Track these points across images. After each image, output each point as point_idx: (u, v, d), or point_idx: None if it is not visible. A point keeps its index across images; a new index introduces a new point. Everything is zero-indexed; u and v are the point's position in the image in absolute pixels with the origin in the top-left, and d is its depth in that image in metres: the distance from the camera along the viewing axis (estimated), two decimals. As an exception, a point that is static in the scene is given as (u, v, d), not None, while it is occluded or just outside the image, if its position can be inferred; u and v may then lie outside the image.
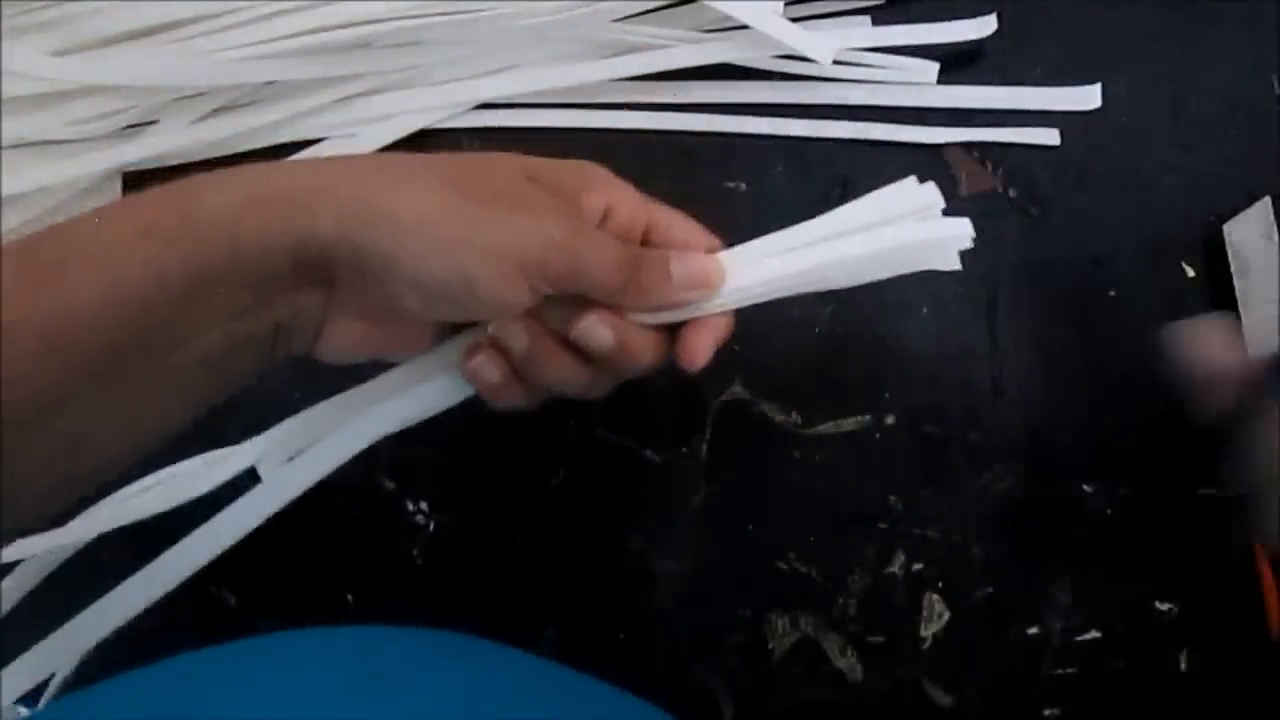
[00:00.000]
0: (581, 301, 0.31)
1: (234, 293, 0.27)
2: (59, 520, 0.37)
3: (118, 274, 0.25)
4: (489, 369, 0.32)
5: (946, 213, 0.32)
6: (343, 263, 0.28)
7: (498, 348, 0.32)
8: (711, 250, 0.33)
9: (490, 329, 0.32)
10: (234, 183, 0.27)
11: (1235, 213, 0.41)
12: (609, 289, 0.30)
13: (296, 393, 0.38)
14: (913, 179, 0.32)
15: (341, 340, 0.31)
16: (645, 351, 0.32)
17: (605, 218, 0.32)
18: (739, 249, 0.33)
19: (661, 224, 0.33)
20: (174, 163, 0.45)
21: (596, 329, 0.31)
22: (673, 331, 0.33)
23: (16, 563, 0.39)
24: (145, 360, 0.27)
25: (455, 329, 0.34)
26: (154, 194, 0.27)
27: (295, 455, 0.36)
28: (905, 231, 0.31)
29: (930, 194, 0.31)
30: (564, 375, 0.32)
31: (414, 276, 0.28)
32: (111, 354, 0.26)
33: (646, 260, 0.31)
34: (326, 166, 0.28)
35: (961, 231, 0.31)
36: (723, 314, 0.33)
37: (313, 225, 0.27)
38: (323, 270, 0.28)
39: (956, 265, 0.31)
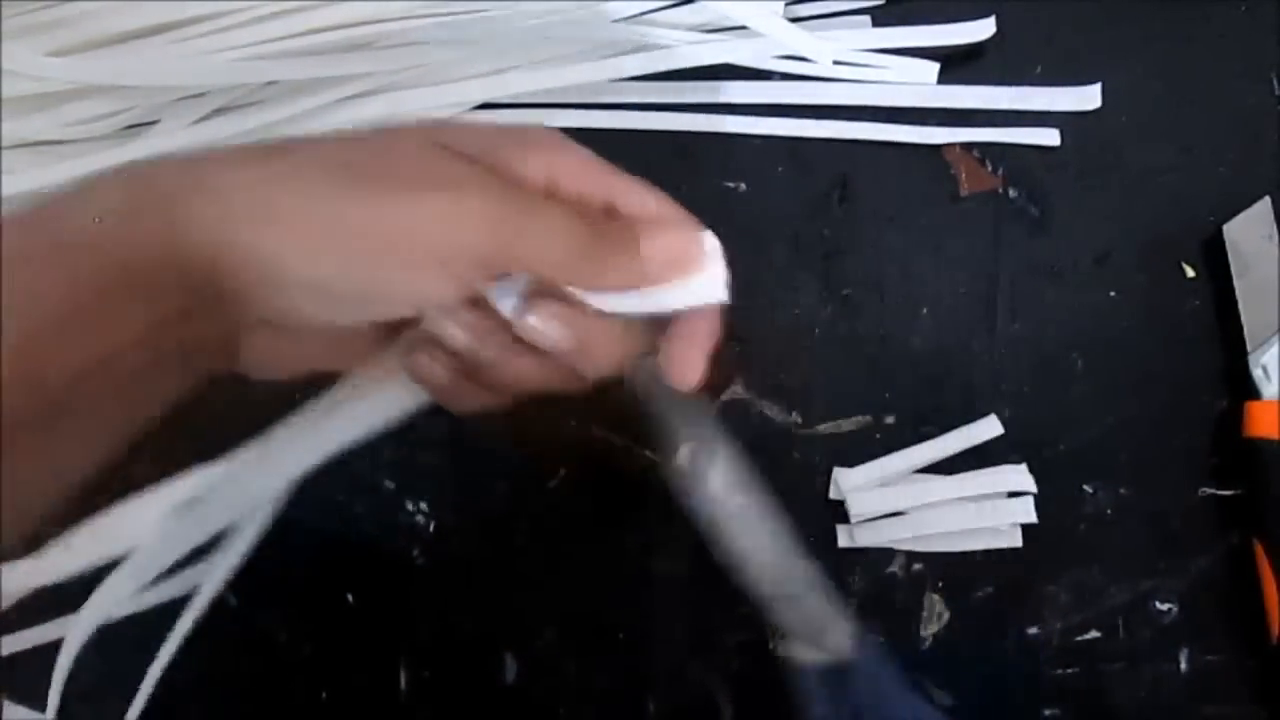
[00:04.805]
0: (535, 289, 0.26)
1: (125, 311, 0.24)
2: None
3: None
4: (432, 369, 0.27)
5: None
6: (224, 268, 0.24)
7: (438, 344, 0.27)
8: None
9: (424, 324, 0.27)
10: (98, 195, 0.24)
11: (1235, 213, 0.41)
12: (559, 267, 0.25)
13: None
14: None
15: (264, 354, 0.27)
16: (611, 349, 0.27)
17: (547, 191, 0.27)
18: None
19: (627, 201, 0.27)
20: (174, 163, 0.45)
21: (546, 325, 0.26)
22: (653, 325, 0.29)
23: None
24: (62, 383, 0.23)
25: (400, 330, 0.29)
26: (30, 215, 0.24)
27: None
28: (994, 513, 0.40)
29: (1025, 481, 0.40)
30: (522, 373, 0.27)
31: (304, 276, 0.24)
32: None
33: (608, 232, 0.26)
34: (200, 162, 0.25)
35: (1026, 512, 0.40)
36: (709, 316, 0.29)
37: (186, 228, 0.24)
38: (207, 279, 0.24)
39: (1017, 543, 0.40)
